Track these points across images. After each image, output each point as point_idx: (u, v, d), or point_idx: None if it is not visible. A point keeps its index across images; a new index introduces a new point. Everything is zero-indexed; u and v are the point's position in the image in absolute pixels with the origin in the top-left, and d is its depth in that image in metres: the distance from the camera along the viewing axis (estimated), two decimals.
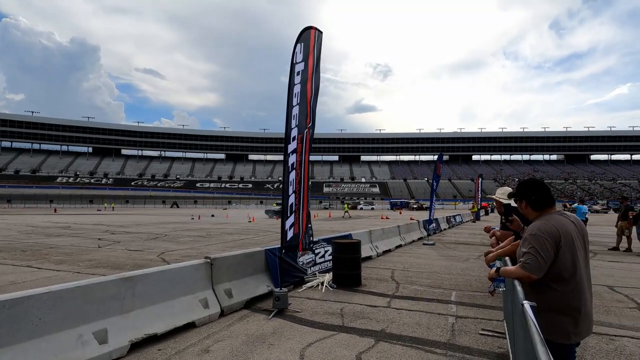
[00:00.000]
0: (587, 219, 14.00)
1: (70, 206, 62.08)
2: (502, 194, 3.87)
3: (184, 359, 3.29)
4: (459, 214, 26.13)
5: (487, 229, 5.52)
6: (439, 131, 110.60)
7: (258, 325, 4.19)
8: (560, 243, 1.95)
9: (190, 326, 4.04)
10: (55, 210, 46.07)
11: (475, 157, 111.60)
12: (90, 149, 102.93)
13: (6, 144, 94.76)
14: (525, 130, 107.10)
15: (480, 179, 29.55)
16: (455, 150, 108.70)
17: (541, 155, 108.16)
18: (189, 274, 4.35)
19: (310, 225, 5.36)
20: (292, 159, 4.87)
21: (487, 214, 37.19)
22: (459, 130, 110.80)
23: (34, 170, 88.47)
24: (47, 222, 22.83)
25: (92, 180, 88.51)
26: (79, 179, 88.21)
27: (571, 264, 1.95)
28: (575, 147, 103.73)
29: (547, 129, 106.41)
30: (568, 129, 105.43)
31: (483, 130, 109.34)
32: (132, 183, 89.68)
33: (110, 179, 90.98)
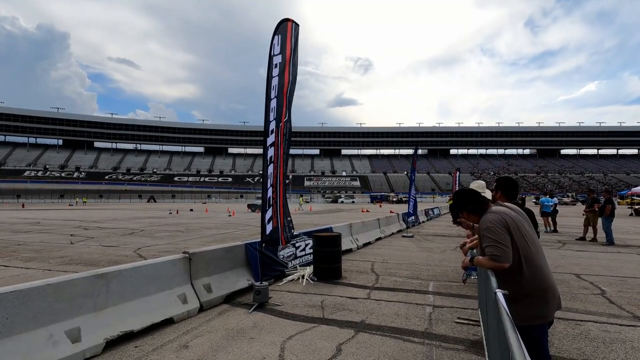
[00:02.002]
0: (557, 210, 14.64)
1: (39, 201, 59.46)
2: (476, 187, 3.98)
3: (162, 355, 3.24)
4: (437, 207, 26.76)
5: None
6: (418, 125, 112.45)
7: (238, 320, 4.17)
8: (510, 228, 2.08)
9: (168, 322, 3.97)
10: (23, 206, 43.98)
11: (453, 152, 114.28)
12: (61, 142, 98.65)
13: None
14: (501, 125, 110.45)
15: (457, 173, 30.16)
16: (434, 144, 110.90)
17: (515, 150, 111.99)
18: (167, 269, 4.27)
19: (289, 218, 5.34)
20: (271, 152, 4.83)
21: None
22: (437, 125, 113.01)
23: None
24: (14, 218, 21.79)
25: (63, 174, 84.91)
26: (48, 172, 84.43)
27: (526, 245, 2.08)
28: (546, 141, 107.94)
29: (520, 124, 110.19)
30: (540, 124, 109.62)
31: (460, 125, 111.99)
32: (106, 177, 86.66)
33: (83, 173, 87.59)
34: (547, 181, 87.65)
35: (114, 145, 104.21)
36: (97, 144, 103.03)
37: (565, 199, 54.98)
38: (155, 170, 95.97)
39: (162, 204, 56.23)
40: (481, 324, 3.72)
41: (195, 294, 4.46)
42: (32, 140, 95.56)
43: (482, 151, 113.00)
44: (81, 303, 3.29)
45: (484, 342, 3.16)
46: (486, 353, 2.92)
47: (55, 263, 7.52)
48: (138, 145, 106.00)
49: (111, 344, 3.36)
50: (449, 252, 8.98)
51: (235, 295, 5.02)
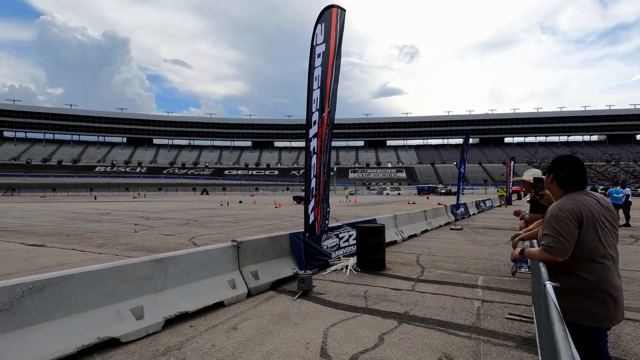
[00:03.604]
0: (630, 202, 13.18)
1: (108, 194, 65.56)
2: (530, 175, 3.72)
3: (214, 335, 3.47)
4: (489, 199, 25.33)
5: (517, 213, 5.35)
6: (468, 113, 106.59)
7: (283, 306, 4.32)
8: (583, 222, 1.86)
9: (219, 305, 4.23)
10: (95, 198, 48.86)
11: (507, 140, 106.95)
12: (125, 139, 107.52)
13: (49, 136, 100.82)
14: (563, 109, 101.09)
15: (512, 162, 28.32)
16: (486, 132, 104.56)
17: (580, 136, 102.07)
18: (217, 256, 4.53)
19: (328, 209, 5.38)
20: (314, 143, 4.88)
21: (519, 198, 35.80)
22: (490, 112, 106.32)
23: (74, 161, 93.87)
24: (88, 209, 24.29)
25: (127, 169, 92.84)
26: (115, 168, 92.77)
27: (596, 245, 1.87)
28: (618, 126, 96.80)
29: (587, 108, 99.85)
30: (611, 107, 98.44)
31: (516, 111, 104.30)
32: (164, 171, 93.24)
33: (144, 168, 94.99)
34: (619, 170, 78.89)
35: (170, 142, 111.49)
36: (155, 141, 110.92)
37: None
38: (207, 164, 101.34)
39: (213, 196, 59.34)
40: (534, 320, 3.50)
41: (244, 280, 4.69)
42: (100, 139, 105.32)
43: (542, 139, 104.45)
44: (143, 284, 3.62)
45: (537, 339, 2.98)
46: (539, 351, 2.76)
47: (122, 249, 8.31)
48: (191, 141, 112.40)
49: (169, 323, 3.66)
50: (502, 246, 8.50)
51: (280, 283, 5.20)
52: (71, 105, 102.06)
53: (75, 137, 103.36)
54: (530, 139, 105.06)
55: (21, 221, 15.51)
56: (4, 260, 7.08)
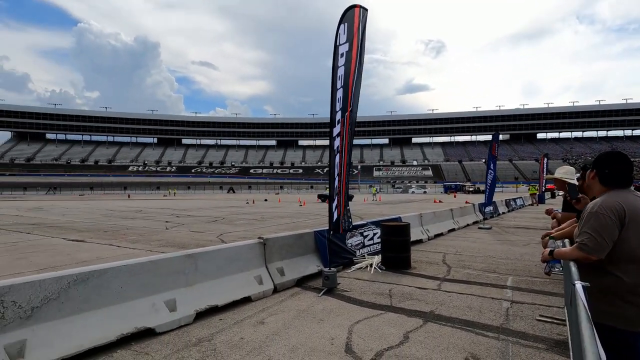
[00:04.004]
0: None
1: (140, 192, 68.42)
2: (564, 173, 3.59)
3: (242, 328, 3.60)
4: (520, 197, 24.40)
5: (549, 212, 5.17)
6: (498, 108, 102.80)
7: (309, 302, 4.40)
8: (625, 221, 1.78)
9: (246, 300, 4.36)
10: (128, 196, 51.15)
11: (540, 136, 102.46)
12: (155, 140, 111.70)
13: (87, 137, 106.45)
14: (602, 102, 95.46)
15: (545, 159, 27.00)
16: (517, 128, 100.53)
17: (621, 131, 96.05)
18: (244, 252, 4.67)
19: (348, 207, 5.40)
20: (337, 142, 4.92)
21: (553, 196, 34.21)
22: (521, 107, 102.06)
23: (109, 161, 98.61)
24: (123, 207, 25.49)
25: (158, 169, 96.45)
26: (146, 167, 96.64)
27: (638, 246, 1.78)
28: None
29: (629, 101, 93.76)
30: None
31: (550, 106, 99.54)
32: (193, 170, 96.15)
33: (173, 167, 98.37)
34: None
35: (198, 142, 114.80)
36: (184, 141, 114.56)
37: None
38: (233, 163, 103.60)
39: (240, 194, 60.60)
40: (567, 323, 3.38)
41: (270, 276, 4.81)
42: (133, 139, 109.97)
43: (578, 134, 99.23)
44: (175, 278, 3.80)
45: (569, 342, 2.89)
46: (571, 354, 2.67)
47: (154, 245, 8.69)
48: (218, 141, 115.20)
49: (200, 315, 3.82)
50: (533, 246, 8.20)
51: (305, 280, 5.28)
52: (106, 107, 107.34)
53: (110, 138, 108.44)
54: (565, 134, 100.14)
55: (63, 218, 16.52)
56: (50, 254, 7.60)
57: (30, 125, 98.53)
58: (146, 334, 3.36)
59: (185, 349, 3.13)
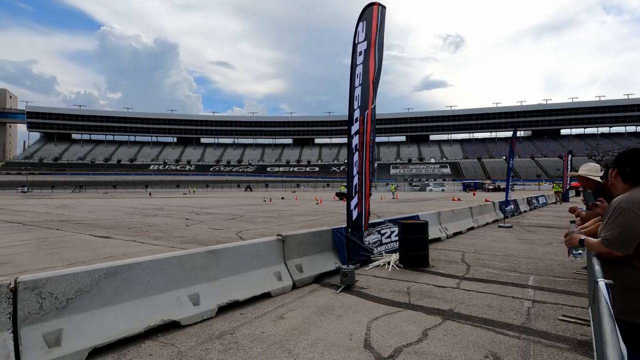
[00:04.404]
0: None
1: (161, 190, 70.11)
2: (588, 170, 3.51)
3: (263, 323, 3.69)
4: (543, 195, 23.72)
5: (573, 210, 5.05)
6: (519, 104, 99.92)
7: (327, 298, 4.46)
8: None
9: (266, 296, 4.46)
10: (150, 194, 52.55)
11: (564, 132, 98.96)
12: (175, 139, 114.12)
13: (109, 137, 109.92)
14: (631, 96, 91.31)
15: (569, 156, 26.15)
16: (540, 124, 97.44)
17: None
18: (264, 249, 4.77)
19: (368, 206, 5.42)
20: (355, 140, 4.95)
21: (578, 194, 33.06)
22: (543, 102, 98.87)
23: (131, 160, 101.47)
24: (145, 204, 26.24)
25: (177, 167, 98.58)
26: (167, 166, 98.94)
27: None
28: None
29: None
30: None
31: (574, 100, 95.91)
32: (211, 169, 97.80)
33: (192, 166, 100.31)
34: None
35: (216, 140, 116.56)
36: (203, 140, 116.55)
37: None
38: (250, 162, 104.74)
39: (257, 192, 61.28)
40: (591, 323, 3.32)
41: (289, 273, 4.89)
42: (153, 139, 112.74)
43: (604, 129, 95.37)
44: (198, 273, 3.92)
45: (593, 342, 2.83)
46: (595, 354, 2.63)
47: (176, 242, 8.94)
48: (236, 140, 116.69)
49: (222, 310, 3.94)
50: (556, 245, 8.00)
51: (323, 277, 5.34)
52: (128, 108, 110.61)
53: (132, 138, 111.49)
54: (591, 130, 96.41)
55: (89, 215, 17.17)
56: (79, 249, 7.94)
57: (57, 126, 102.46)
58: (171, 326, 3.49)
59: (209, 341, 3.25)
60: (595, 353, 2.63)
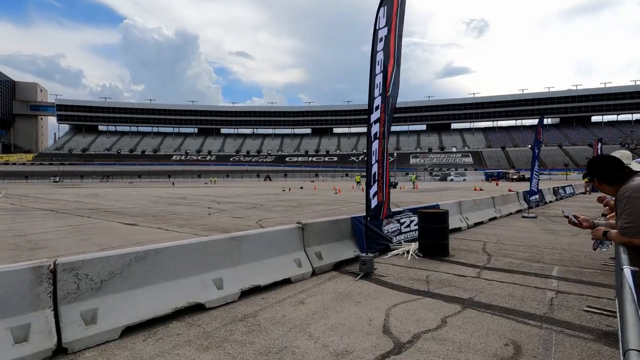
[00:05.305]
0: None
1: (183, 180, 71.94)
2: (618, 157, 3.37)
3: (284, 307, 3.80)
4: (570, 185, 22.87)
5: (601, 199, 4.89)
6: (547, 90, 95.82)
7: (346, 285, 4.53)
8: None
9: (286, 282, 4.57)
10: (173, 184, 54.05)
11: (595, 119, 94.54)
12: (196, 130, 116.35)
13: (134, 128, 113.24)
14: None
15: (599, 144, 24.96)
16: (569, 111, 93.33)
17: None
18: (284, 236, 4.87)
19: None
20: (375, 128, 4.93)
21: None
22: (573, 88, 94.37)
23: (155, 150, 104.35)
24: (168, 194, 27.04)
25: (198, 157, 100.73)
26: (188, 156, 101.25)
27: None
28: None
29: None
30: None
31: (607, 85, 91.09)
32: (231, 159, 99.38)
33: (213, 156, 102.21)
34: None
35: (235, 131, 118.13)
36: (223, 130, 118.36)
37: None
38: (269, 152, 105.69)
39: (276, 182, 61.92)
40: (618, 314, 3.24)
41: (308, 260, 4.98)
42: (175, 130, 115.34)
43: (639, 116, 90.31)
44: (222, 259, 4.06)
45: (619, 333, 2.78)
46: (620, 344, 2.58)
47: (199, 229, 9.22)
48: (255, 130, 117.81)
49: (244, 294, 4.07)
50: (582, 236, 7.75)
51: (342, 264, 5.41)
52: (150, 100, 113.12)
53: (155, 129, 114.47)
54: (624, 116, 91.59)
55: (117, 203, 17.89)
56: (109, 235, 8.33)
57: (85, 118, 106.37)
58: (197, 308, 3.65)
59: (233, 324, 3.38)
60: (620, 343, 2.59)
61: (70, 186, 46.76)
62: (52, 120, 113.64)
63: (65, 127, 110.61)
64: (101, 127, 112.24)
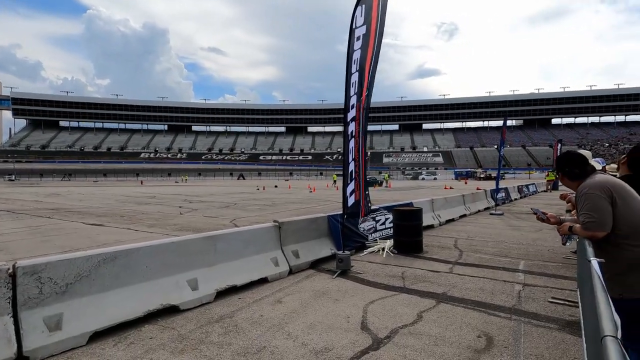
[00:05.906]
0: None
1: (152, 178, 69.44)
2: None
3: (261, 307, 3.75)
4: (533, 183, 24.10)
5: (564, 196, 5.16)
6: (512, 93, 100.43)
7: (323, 283, 4.54)
8: (614, 195, 1.92)
9: (263, 281, 4.51)
10: (141, 182, 52.02)
11: (555, 121, 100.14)
12: (166, 127, 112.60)
13: (99, 124, 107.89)
14: (622, 87, 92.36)
15: (559, 145, 26.53)
16: (531, 113, 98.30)
17: None
18: (261, 235, 4.81)
19: (367, 192, 5.48)
20: (351, 127, 4.96)
21: None
22: (535, 91, 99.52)
23: (121, 148, 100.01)
24: (137, 193, 26.01)
25: (169, 155, 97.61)
26: (158, 154, 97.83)
27: (633, 214, 1.89)
28: None
29: None
30: None
31: (566, 90, 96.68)
32: (203, 157, 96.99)
33: (184, 154, 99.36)
34: None
35: (208, 128, 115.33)
36: (194, 128, 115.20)
37: None
38: (243, 150, 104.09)
39: (250, 181, 61.07)
40: (580, 305, 3.44)
41: (285, 259, 4.95)
42: (144, 126, 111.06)
43: (594, 119, 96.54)
44: (196, 259, 3.95)
45: (582, 322, 2.95)
46: (583, 334, 2.74)
47: (170, 229, 8.93)
48: (228, 128, 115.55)
49: (220, 295, 3.98)
50: (546, 231, 8.19)
51: (319, 262, 5.42)
52: (117, 95, 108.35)
53: (122, 126, 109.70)
54: (581, 119, 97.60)
55: (80, 203, 16.99)
56: (72, 236, 7.89)
57: (44, 112, 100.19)
58: (171, 310, 3.53)
59: (209, 325, 3.30)
60: (583, 332, 2.75)
61: (29, 185, 43.94)
62: (6, 114, 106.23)
63: (22, 123, 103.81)
64: (63, 123, 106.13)
